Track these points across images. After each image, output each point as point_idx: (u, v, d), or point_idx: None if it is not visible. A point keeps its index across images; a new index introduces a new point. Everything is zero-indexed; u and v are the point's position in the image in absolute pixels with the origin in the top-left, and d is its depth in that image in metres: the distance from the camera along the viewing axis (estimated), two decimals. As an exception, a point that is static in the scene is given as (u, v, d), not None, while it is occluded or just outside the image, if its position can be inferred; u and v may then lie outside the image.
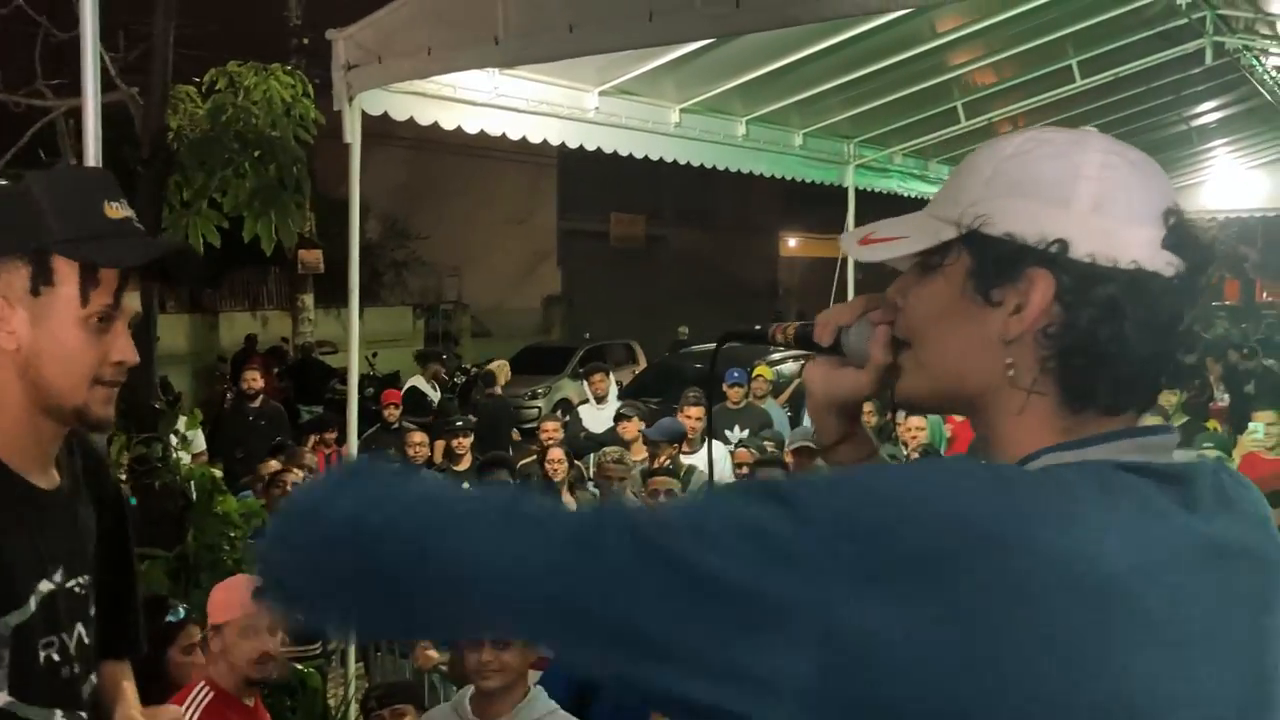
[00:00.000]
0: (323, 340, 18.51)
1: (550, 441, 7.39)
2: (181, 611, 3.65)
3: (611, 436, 7.58)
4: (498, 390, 11.51)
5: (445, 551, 0.90)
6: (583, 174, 24.38)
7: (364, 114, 5.16)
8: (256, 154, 4.23)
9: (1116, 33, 7.35)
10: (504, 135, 6.07)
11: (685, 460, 6.69)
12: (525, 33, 4.61)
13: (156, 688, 3.48)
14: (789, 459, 5.73)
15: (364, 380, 11.30)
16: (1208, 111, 10.71)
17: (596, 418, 8.77)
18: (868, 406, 5.38)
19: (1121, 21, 7.12)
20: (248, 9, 17.19)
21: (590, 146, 6.58)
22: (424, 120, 5.53)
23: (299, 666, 4.32)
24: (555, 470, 6.83)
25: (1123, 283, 0.92)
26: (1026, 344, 0.95)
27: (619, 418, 7.58)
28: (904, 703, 0.78)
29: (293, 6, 18.28)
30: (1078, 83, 7.99)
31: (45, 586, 1.52)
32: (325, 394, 13.98)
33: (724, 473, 6.84)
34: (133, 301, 1.50)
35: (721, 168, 7.76)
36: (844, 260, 9.28)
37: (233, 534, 4.26)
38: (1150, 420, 0.98)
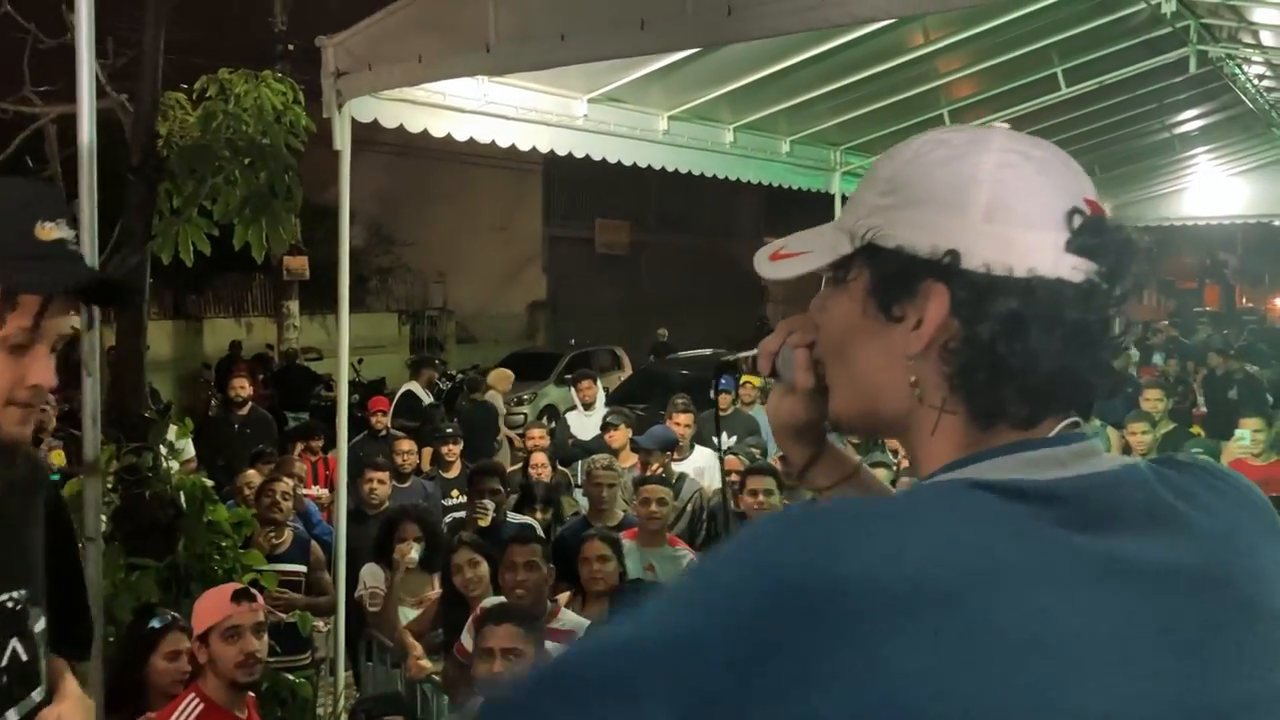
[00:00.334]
0: (308, 347, 18.45)
1: (536, 448, 7.39)
2: (170, 618, 3.61)
3: (599, 444, 7.57)
4: (480, 396, 11.50)
5: None
6: (568, 180, 24.40)
7: (351, 121, 5.16)
8: (247, 161, 4.21)
9: (1101, 41, 7.40)
10: (493, 142, 6.07)
11: (676, 468, 6.68)
12: (516, 40, 4.62)
13: (139, 695, 3.45)
14: (778, 464, 5.73)
15: (350, 387, 11.27)
16: (1190, 119, 10.80)
17: (584, 424, 8.76)
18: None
19: (1106, 30, 7.18)
20: (232, 15, 17.14)
21: (579, 154, 6.59)
22: (414, 127, 5.53)
23: (290, 677, 4.30)
24: (540, 474, 6.82)
25: (1021, 293, 0.85)
26: (930, 361, 0.90)
27: (606, 425, 7.57)
28: None
29: (277, 13, 18.23)
30: (1062, 90, 8.04)
31: None
32: (311, 401, 13.93)
33: (714, 480, 6.85)
34: (57, 325, 1.46)
35: (709, 174, 7.78)
36: (830, 266, 9.31)
37: (224, 544, 4.23)
38: (1087, 426, 0.91)
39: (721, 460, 5.66)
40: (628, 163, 6.98)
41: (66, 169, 4.67)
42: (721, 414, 8.51)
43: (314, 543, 5.64)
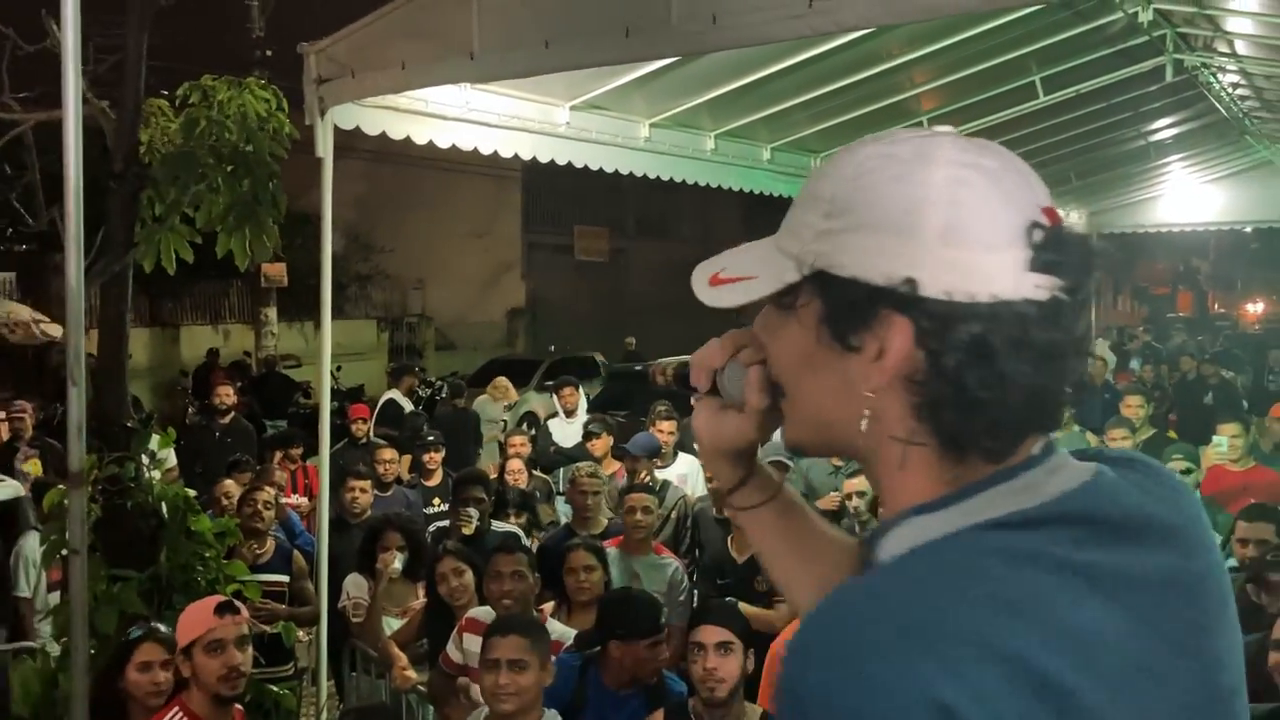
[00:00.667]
0: (286, 354, 18.34)
1: (517, 455, 7.36)
2: (144, 629, 3.55)
3: (581, 451, 7.55)
4: (462, 402, 11.47)
5: None
6: (547, 187, 24.39)
7: (334, 127, 5.14)
8: (230, 169, 4.18)
9: (1079, 50, 7.47)
10: (475, 149, 6.06)
11: (659, 475, 6.68)
12: (501, 48, 4.61)
13: (121, 709, 3.41)
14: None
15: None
16: (1165, 127, 10.91)
17: (566, 431, 8.74)
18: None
19: (1084, 39, 7.25)
20: (210, 21, 17.04)
21: (561, 161, 6.59)
22: (396, 135, 5.51)
23: (273, 688, 4.27)
24: (516, 480, 6.79)
25: (986, 319, 0.81)
26: (895, 392, 0.85)
27: (589, 433, 7.56)
28: None
29: (255, 19, 18.14)
30: (1040, 98, 8.11)
31: None
32: (289, 408, 13.85)
33: (696, 487, 6.84)
34: None
35: (691, 182, 7.80)
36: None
37: (206, 554, 4.19)
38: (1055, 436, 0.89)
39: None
40: (609, 170, 6.99)
41: (45, 176, 4.64)
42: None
43: (296, 552, 5.61)
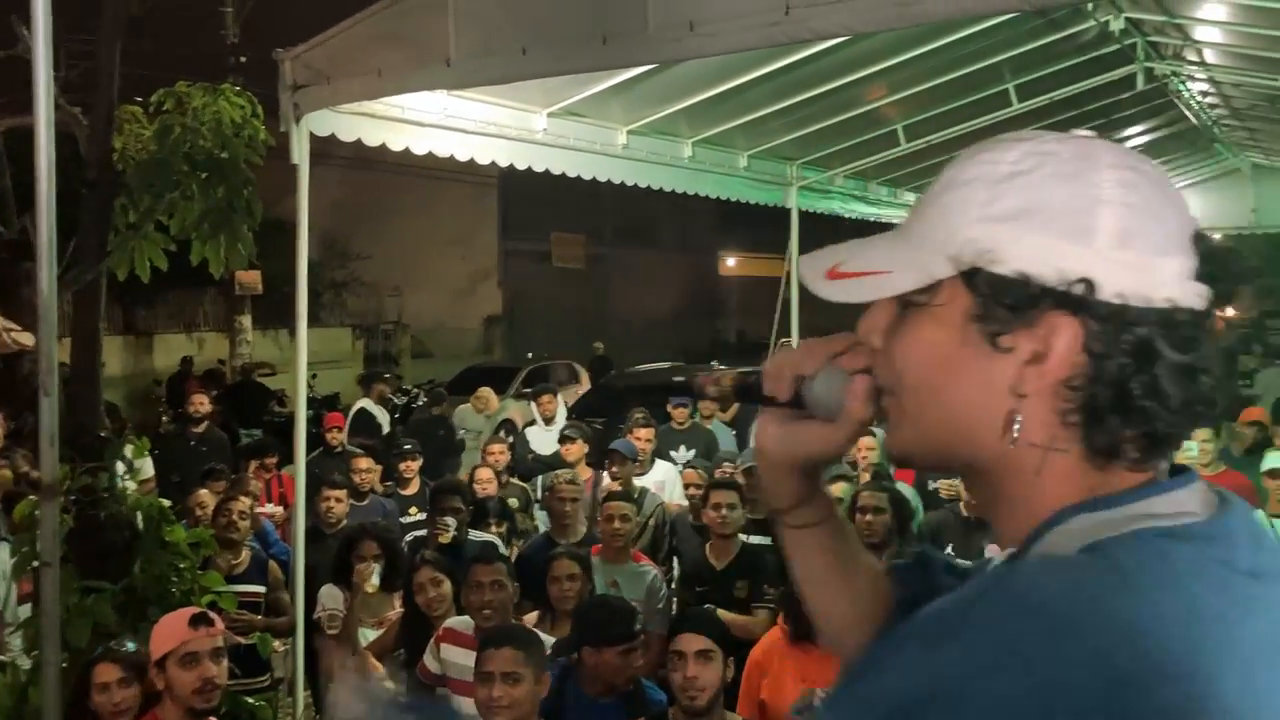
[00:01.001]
0: (261, 362, 18.23)
1: (497, 464, 7.34)
2: (102, 649, 3.46)
3: (560, 459, 7.54)
4: (439, 410, 11.42)
5: None
6: (524, 193, 24.37)
7: (309, 134, 5.11)
8: (205, 176, 4.15)
9: (1052, 58, 7.52)
10: (452, 156, 6.05)
11: (637, 482, 6.67)
12: (478, 55, 4.61)
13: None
14: (741, 479, 5.74)
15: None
16: (1136, 135, 11.00)
17: (544, 439, 8.72)
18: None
19: (1056, 47, 7.30)
20: (184, 28, 16.94)
21: (539, 168, 6.58)
22: (372, 141, 5.49)
23: (249, 699, 4.23)
24: (484, 490, 6.76)
25: (1155, 323, 0.80)
26: (1043, 397, 0.82)
27: (563, 439, 7.55)
28: None
29: (230, 25, 18.05)
30: (1014, 106, 8.16)
31: None
32: (264, 417, 13.75)
33: (673, 495, 6.85)
34: None
35: (668, 189, 7.80)
36: (786, 279, 9.38)
37: (181, 565, 4.15)
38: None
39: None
40: (587, 177, 6.98)
41: (17, 183, 4.59)
42: (679, 428, 8.53)
43: (272, 563, 5.56)
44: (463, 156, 6.08)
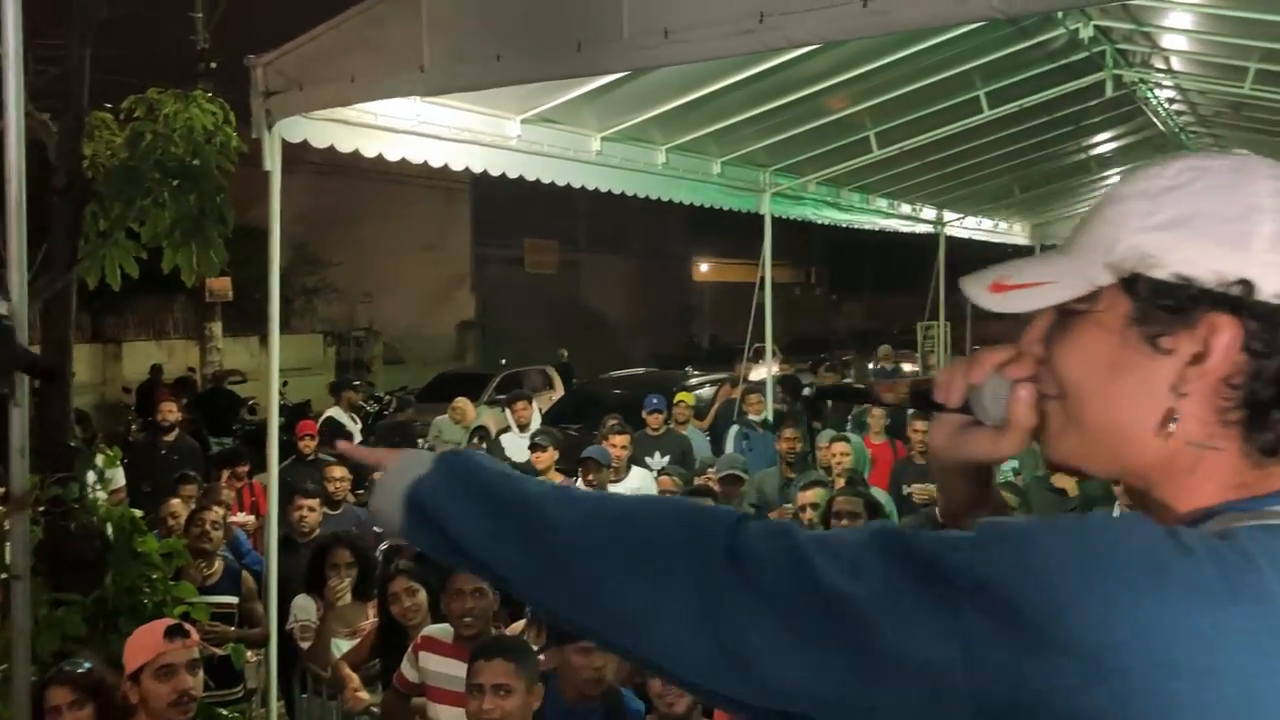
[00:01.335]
0: (231, 369, 18.08)
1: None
2: (58, 671, 3.35)
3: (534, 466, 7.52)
4: (403, 415, 11.35)
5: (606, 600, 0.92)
6: (497, 199, 24.32)
7: (281, 140, 5.08)
8: (176, 183, 4.11)
9: (1022, 66, 7.60)
10: (425, 163, 6.02)
11: (613, 489, 6.66)
12: (451, 61, 4.59)
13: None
14: (717, 487, 5.75)
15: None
16: (1106, 141, 11.14)
17: (519, 446, 8.69)
18: (790, 432, 5.31)
19: (1027, 55, 7.38)
20: (155, 34, 16.81)
21: (512, 174, 6.56)
22: (344, 148, 5.46)
23: (222, 711, 4.19)
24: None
25: None
26: (1203, 396, 0.86)
27: (534, 446, 7.53)
28: None
29: (201, 31, 17.92)
30: (985, 113, 8.23)
31: None
32: (235, 425, 13.63)
33: (650, 500, 6.84)
34: None
35: (642, 195, 7.81)
36: (759, 284, 9.40)
37: (153, 576, 4.10)
38: None
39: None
40: (561, 183, 6.98)
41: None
42: (654, 434, 8.53)
43: (245, 573, 5.51)
44: (436, 163, 6.06)
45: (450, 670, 3.97)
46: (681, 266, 34.95)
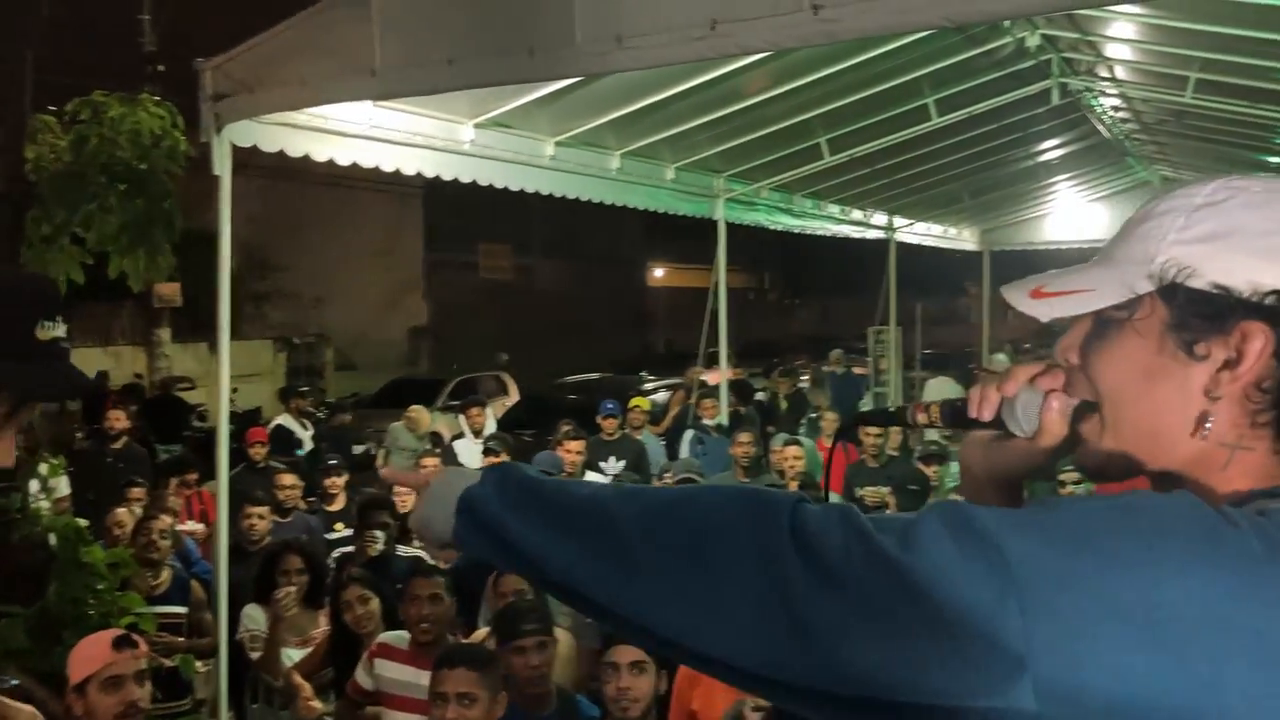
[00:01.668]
0: (180, 376, 17.82)
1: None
2: None
3: (488, 472, 7.49)
4: (344, 419, 11.31)
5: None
6: (450, 204, 24.17)
7: (230, 145, 5.02)
8: (123, 187, 4.04)
9: (970, 73, 7.70)
10: (377, 167, 5.98)
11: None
12: (403, 65, 4.56)
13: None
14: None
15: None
16: (1052, 148, 11.30)
17: (473, 452, 8.66)
18: (745, 436, 5.37)
19: (975, 63, 7.47)
20: (100, 36, 16.52)
21: (465, 179, 6.53)
22: (295, 152, 5.40)
23: (170, 723, 4.12)
24: (404, 503, 6.68)
25: None
26: (1235, 399, 0.92)
27: (486, 451, 7.51)
28: None
29: (147, 34, 17.64)
30: (934, 120, 8.33)
31: None
32: (183, 432, 13.43)
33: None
34: (29, 413, 1.52)
35: (596, 201, 7.80)
36: (713, 289, 9.44)
37: (99, 586, 4.03)
38: None
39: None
40: (515, 188, 6.95)
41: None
42: (609, 439, 8.53)
43: (194, 582, 5.43)
44: (388, 168, 6.02)
45: (407, 677, 3.94)
46: (636, 272, 34.99)
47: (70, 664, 3.24)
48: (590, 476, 7.26)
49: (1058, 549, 0.80)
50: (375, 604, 4.49)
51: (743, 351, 17.30)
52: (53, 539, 3.96)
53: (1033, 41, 7.23)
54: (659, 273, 36.03)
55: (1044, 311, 1.00)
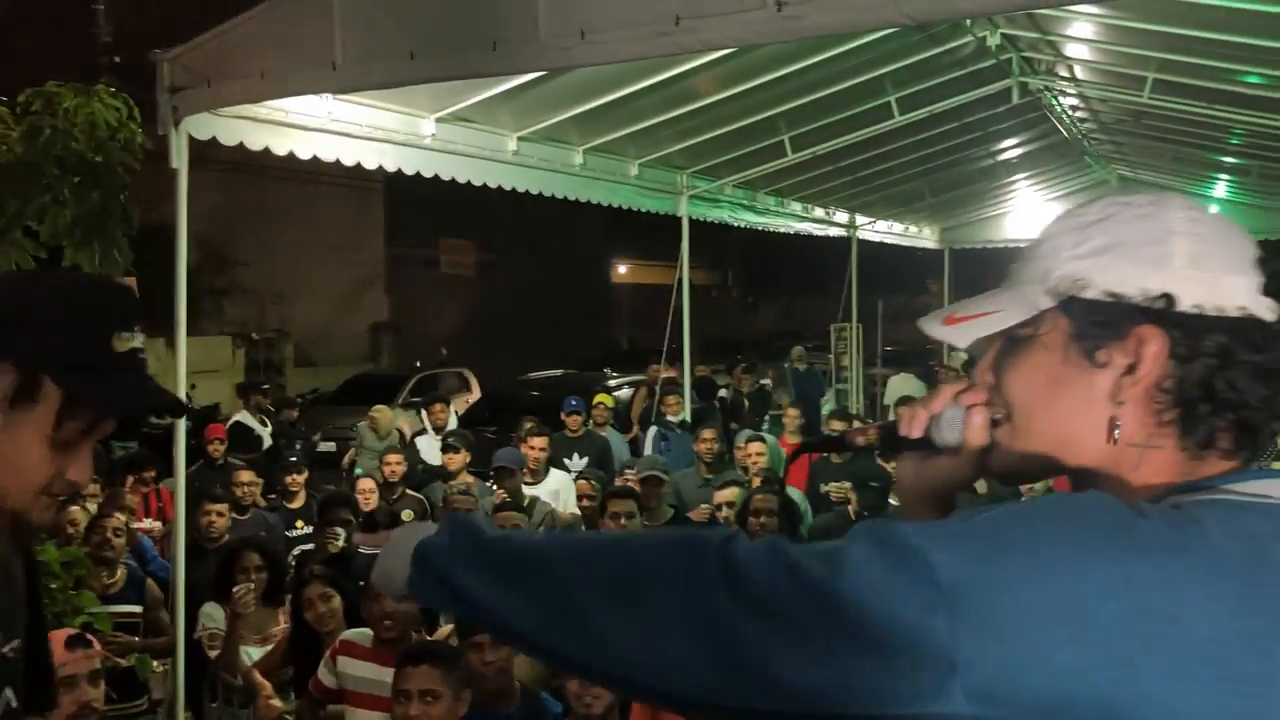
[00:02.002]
0: (136, 372, 17.55)
1: (393, 476, 7.20)
2: None
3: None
4: (293, 414, 11.27)
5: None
6: (411, 199, 24.01)
7: (188, 138, 4.95)
8: (77, 180, 3.97)
9: (931, 72, 7.76)
10: (337, 161, 5.92)
11: (529, 491, 6.62)
12: (364, 58, 4.52)
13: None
14: (638, 488, 5.76)
15: (183, 414, 10.76)
16: (1012, 147, 11.41)
17: (435, 449, 8.60)
18: (709, 433, 5.39)
19: (936, 61, 7.53)
20: (53, 26, 16.24)
21: (427, 173, 6.49)
22: (254, 145, 5.34)
23: (126, 723, 4.06)
24: (366, 501, 6.64)
25: (1231, 329, 0.94)
26: (1139, 401, 0.96)
27: (446, 448, 7.47)
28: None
29: (102, 24, 17.36)
30: (896, 118, 8.38)
31: None
32: (140, 429, 13.24)
33: (568, 503, 6.82)
34: (107, 427, 1.46)
35: (559, 196, 7.78)
36: (677, 286, 9.44)
37: (52, 586, 3.96)
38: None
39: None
40: (477, 183, 6.91)
41: None
42: (573, 435, 8.51)
43: (150, 580, 5.36)
44: (348, 161, 5.96)
45: (370, 674, 3.92)
46: (599, 268, 34.94)
47: (23, 665, 3.19)
48: (554, 473, 7.24)
49: (981, 556, 0.84)
50: (337, 601, 4.46)
51: (705, 349, 17.34)
52: (5, 538, 3.88)
53: (993, 41, 7.30)
54: (622, 269, 36.01)
55: (958, 336, 1.05)
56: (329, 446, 13.54)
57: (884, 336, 17.39)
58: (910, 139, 9.35)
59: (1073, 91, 9.14)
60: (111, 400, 1.44)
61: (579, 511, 6.51)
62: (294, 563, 6.05)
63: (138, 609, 5.15)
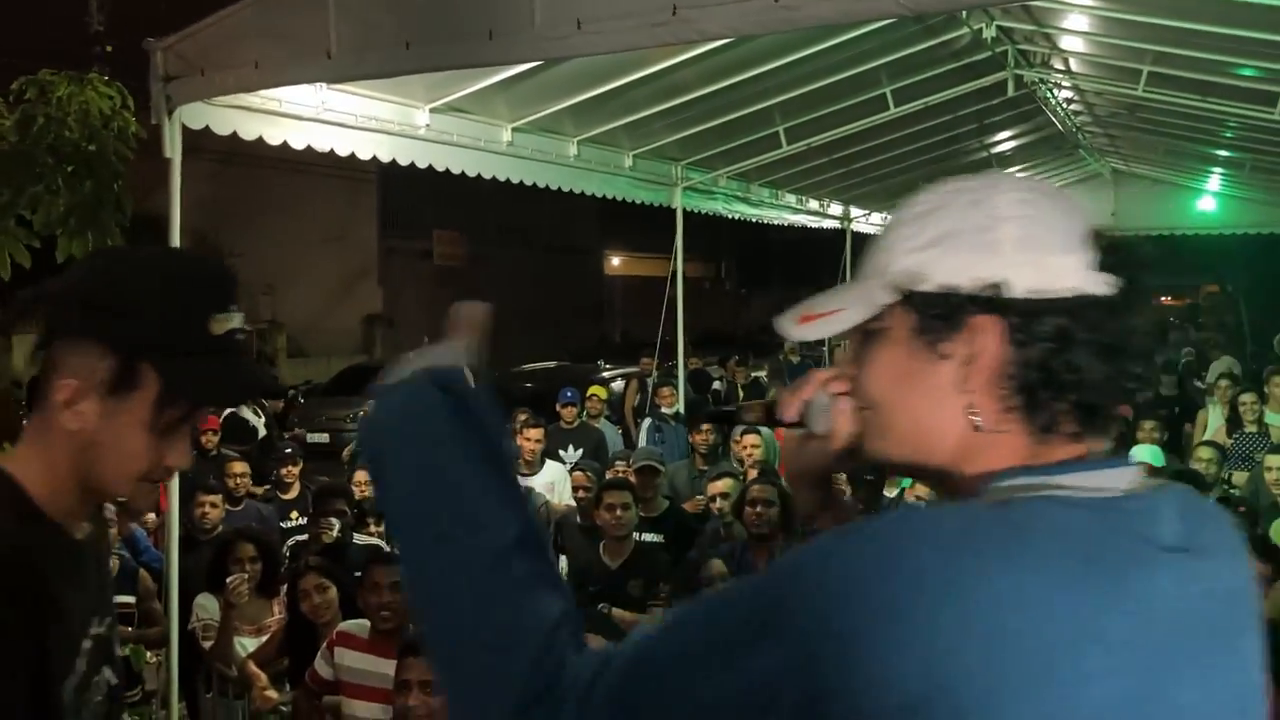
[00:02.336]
0: (128, 363, 17.52)
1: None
2: None
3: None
4: (277, 405, 11.25)
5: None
6: (404, 190, 23.94)
7: (182, 127, 4.92)
8: (71, 169, 3.95)
9: (927, 64, 7.74)
10: (331, 151, 5.90)
11: (524, 483, 6.61)
12: (359, 48, 4.50)
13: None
14: (633, 479, 5.76)
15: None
16: (1006, 139, 11.41)
17: (428, 440, 8.58)
18: (706, 425, 5.39)
19: (931, 53, 7.52)
20: (47, 15, 16.16)
21: (421, 164, 6.47)
22: (248, 135, 5.32)
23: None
24: (363, 491, 6.63)
25: (1066, 310, 0.93)
26: (984, 389, 0.96)
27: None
28: None
29: (94, 12, 17.28)
30: (891, 110, 8.37)
31: (87, 643, 1.47)
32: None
33: (563, 494, 6.82)
34: (205, 412, 1.47)
35: (554, 187, 7.76)
36: (671, 278, 9.43)
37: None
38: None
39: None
40: (471, 174, 6.89)
41: None
42: (568, 427, 8.51)
43: (143, 571, 5.35)
44: (342, 151, 5.94)
45: (368, 666, 3.92)
46: (593, 260, 34.90)
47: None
48: (549, 464, 7.24)
49: (811, 581, 0.86)
50: (333, 593, 4.45)
51: (699, 341, 17.34)
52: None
53: (989, 33, 7.30)
54: (616, 261, 35.98)
55: (809, 334, 1.07)
56: (321, 438, 13.52)
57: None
58: (905, 131, 9.33)
59: (1068, 84, 9.14)
60: (209, 390, 1.45)
61: (574, 503, 6.51)
62: (288, 554, 6.04)
63: (131, 599, 5.14)
